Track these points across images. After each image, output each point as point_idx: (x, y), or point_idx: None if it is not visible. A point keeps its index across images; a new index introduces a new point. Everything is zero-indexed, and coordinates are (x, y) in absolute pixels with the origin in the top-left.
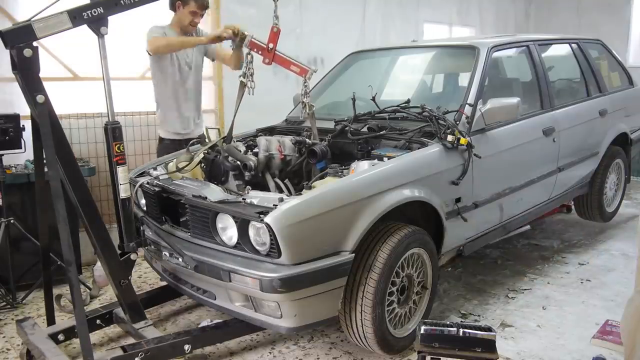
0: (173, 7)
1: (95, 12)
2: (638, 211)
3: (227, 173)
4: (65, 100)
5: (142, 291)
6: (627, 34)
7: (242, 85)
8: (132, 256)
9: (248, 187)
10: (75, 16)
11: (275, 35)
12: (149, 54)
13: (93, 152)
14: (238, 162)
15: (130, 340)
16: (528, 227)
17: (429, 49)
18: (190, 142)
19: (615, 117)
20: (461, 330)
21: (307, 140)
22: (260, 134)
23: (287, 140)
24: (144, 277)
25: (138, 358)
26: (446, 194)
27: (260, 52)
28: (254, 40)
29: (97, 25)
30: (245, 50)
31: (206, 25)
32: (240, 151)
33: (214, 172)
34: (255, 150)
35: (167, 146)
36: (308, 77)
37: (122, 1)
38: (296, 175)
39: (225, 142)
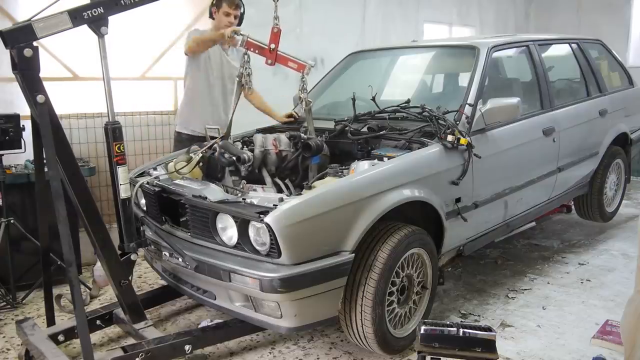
0: (211, 15)
1: (95, 12)
2: (638, 211)
3: (224, 169)
4: (65, 100)
5: (142, 291)
6: (627, 34)
7: (239, 85)
8: (132, 256)
9: (243, 181)
10: (76, 16)
11: (276, 35)
12: (185, 54)
13: (93, 152)
14: (234, 158)
15: (131, 341)
16: (533, 223)
17: (429, 49)
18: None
19: (615, 117)
20: (461, 330)
21: (303, 135)
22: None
23: (283, 135)
24: (144, 277)
25: (139, 358)
26: (446, 194)
27: (257, 52)
28: (250, 40)
29: (98, 25)
30: (242, 50)
31: (206, 25)
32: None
33: (210, 169)
34: (252, 147)
35: (183, 142)
36: (306, 73)
37: (122, 1)
38: (293, 171)
39: (221, 139)
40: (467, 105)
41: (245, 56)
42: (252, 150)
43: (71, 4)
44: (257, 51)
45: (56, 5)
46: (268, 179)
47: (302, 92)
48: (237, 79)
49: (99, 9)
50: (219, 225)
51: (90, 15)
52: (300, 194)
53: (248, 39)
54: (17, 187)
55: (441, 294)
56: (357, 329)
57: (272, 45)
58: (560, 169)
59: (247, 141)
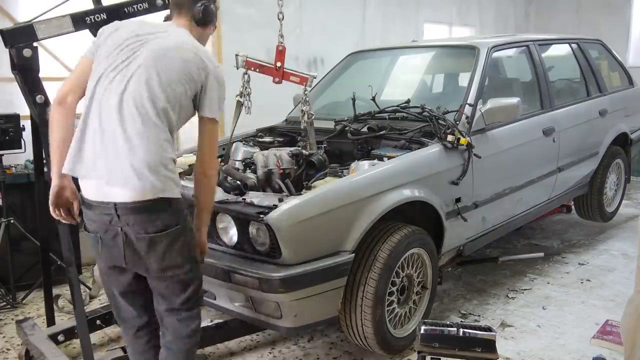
0: (204, 22)
1: (98, 17)
2: (638, 211)
3: (228, 194)
4: None
5: None
6: (627, 34)
7: (239, 105)
8: None
9: None
10: (78, 20)
11: (281, 53)
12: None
13: None
14: (238, 182)
15: None
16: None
17: (429, 49)
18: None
19: (615, 117)
20: (461, 330)
21: (304, 151)
22: (260, 134)
23: (284, 153)
24: None
25: None
26: (446, 194)
27: (257, 70)
28: (250, 59)
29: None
30: (242, 70)
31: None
32: (239, 170)
33: None
34: (254, 167)
35: None
36: (308, 85)
37: (125, 9)
38: (296, 186)
39: (222, 161)
40: (467, 105)
41: (245, 76)
42: (254, 171)
43: (74, 7)
44: (257, 70)
45: (57, 7)
46: None
47: (305, 105)
48: (237, 99)
49: (102, 14)
50: (219, 226)
51: (93, 21)
52: (300, 194)
53: (247, 59)
54: (17, 187)
55: (441, 294)
56: (357, 329)
57: (279, 64)
58: (560, 169)
59: (248, 163)
